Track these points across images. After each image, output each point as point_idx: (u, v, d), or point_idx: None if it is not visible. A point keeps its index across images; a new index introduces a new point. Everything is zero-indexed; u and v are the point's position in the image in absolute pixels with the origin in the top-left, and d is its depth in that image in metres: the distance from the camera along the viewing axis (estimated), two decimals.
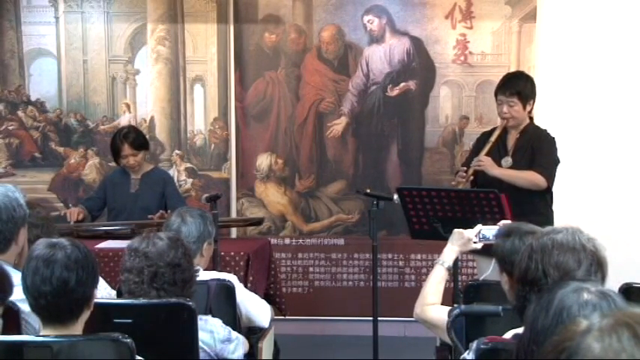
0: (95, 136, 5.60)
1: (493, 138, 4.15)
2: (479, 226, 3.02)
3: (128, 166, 4.75)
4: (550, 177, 4.09)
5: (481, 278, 3.31)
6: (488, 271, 3.10)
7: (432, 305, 2.85)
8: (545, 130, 4.28)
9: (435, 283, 2.90)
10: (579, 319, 1.24)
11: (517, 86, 4.13)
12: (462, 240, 3.00)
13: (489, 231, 3.00)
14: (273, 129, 5.51)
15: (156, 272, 2.72)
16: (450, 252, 3.00)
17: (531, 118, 4.24)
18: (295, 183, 5.53)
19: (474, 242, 3.01)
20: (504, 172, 4.09)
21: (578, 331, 1.20)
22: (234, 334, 2.99)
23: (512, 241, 2.53)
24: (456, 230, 3.05)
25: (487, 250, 2.98)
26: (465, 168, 4.15)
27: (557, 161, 4.16)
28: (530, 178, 4.06)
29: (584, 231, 2.14)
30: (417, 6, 5.38)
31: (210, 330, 2.90)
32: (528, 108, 4.16)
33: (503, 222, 3.07)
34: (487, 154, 4.12)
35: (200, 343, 2.79)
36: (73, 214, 4.65)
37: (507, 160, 4.15)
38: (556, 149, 4.18)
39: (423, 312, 2.85)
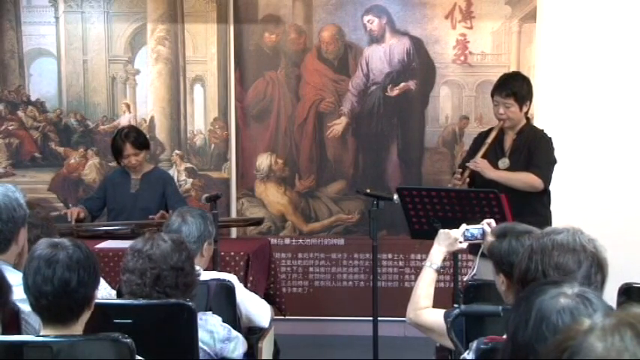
0: (95, 136, 5.60)
1: (489, 140, 4.14)
2: (464, 226, 2.99)
3: (129, 166, 4.75)
4: (546, 178, 4.09)
5: (465, 279, 3.30)
6: (473, 271, 3.10)
7: (425, 309, 2.83)
8: (542, 131, 4.28)
9: (426, 286, 2.87)
10: (583, 319, 1.24)
11: (513, 87, 4.12)
12: (448, 240, 2.97)
13: (475, 230, 2.99)
14: (273, 129, 5.50)
15: (159, 275, 2.72)
16: (438, 253, 2.96)
17: (528, 119, 4.24)
18: (295, 183, 5.53)
19: (460, 242, 2.98)
20: (500, 174, 4.08)
21: (580, 331, 1.20)
22: (234, 332, 2.99)
23: (509, 242, 2.53)
24: (441, 230, 3.02)
25: (474, 250, 2.98)
26: (461, 170, 4.15)
27: (553, 161, 4.16)
28: (526, 179, 4.05)
29: (585, 232, 2.14)
30: (417, 6, 5.38)
31: (210, 330, 2.90)
32: (525, 109, 4.15)
33: (486, 221, 3.04)
34: (483, 156, 4.11)
35: (200, 343, 2.79)
36: (74, 213, 4.65)
37: (504, 162, 4.15)
38: (553, 149, 4.17)
39: (417, 316, 2.84)
